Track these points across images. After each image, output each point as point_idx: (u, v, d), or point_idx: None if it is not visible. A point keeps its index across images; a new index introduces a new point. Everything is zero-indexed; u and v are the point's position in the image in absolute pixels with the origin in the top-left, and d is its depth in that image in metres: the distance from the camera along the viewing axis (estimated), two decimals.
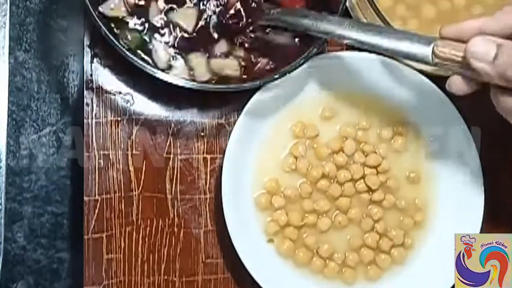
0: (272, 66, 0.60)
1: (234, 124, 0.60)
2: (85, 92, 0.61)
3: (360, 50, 0.63)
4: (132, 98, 0.62)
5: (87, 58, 0.62)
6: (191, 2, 0.60)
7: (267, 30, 0.61)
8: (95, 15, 0.56)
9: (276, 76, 0.58)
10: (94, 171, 0.60)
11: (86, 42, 0.62)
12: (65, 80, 0.69)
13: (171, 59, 0.59)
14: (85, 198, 0.60)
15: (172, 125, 0.63)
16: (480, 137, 0.63)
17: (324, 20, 0.57)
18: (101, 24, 0.55)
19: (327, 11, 0.59)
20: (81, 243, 0.59)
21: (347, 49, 0.65)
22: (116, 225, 0.60)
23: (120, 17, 0.59)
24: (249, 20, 0.61)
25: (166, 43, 0.59)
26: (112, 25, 0.58)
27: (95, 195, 0.60)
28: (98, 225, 0.60)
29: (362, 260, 0.62)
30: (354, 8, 0.63)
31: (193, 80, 0.58)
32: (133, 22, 0.59)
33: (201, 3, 0.60)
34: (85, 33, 0.62)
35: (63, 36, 0.69)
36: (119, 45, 0.55)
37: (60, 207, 0.67)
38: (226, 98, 0.63)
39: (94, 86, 0.62)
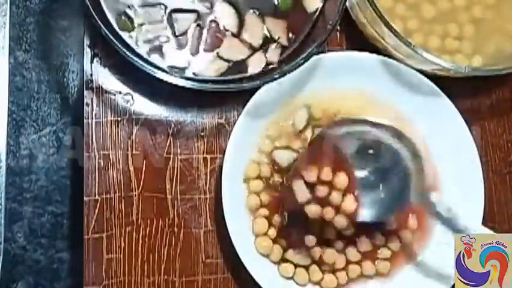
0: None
1: (234, 124, 0.60)
2: (85, 92, 0.61)
3: (360, 50, 0.63)
4: (132, 98, 0.62)
5: (87, 58, 0.61)
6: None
7: None
8: (95, 15, 0.55)
9: (276, 76, 0.58)
10: (94, 171, 0.60)
11: (86, 42, 0.62)
12: (65, 80, 0.69)
13: None
14: (85, 198, 0.60)
15: (172, 125, 0.63)
16: (480, 137, 0.63)
17: None
18: (101, 24, 0.55)
19: (328, 10, 0.59)
20: (81, 243, 0.59)
21: (347, 49, 0.65)
22: (116, 225, 0.60)
23: None
24: None
25: None
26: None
27: (95, 195, 0.60)
28: (98, 225, 0.60)
29: (364, 264, 0.62)
30: (354, 8, 0.63)
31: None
32: None
33: None
34: (85, 33, 0.62)
35: (63, 36, 0.69)
36: (119, 45, 0.55)
37: (60, 207, 0.67)
38: (226, 98, 0.63)
39: (94, 86, 0.61)
